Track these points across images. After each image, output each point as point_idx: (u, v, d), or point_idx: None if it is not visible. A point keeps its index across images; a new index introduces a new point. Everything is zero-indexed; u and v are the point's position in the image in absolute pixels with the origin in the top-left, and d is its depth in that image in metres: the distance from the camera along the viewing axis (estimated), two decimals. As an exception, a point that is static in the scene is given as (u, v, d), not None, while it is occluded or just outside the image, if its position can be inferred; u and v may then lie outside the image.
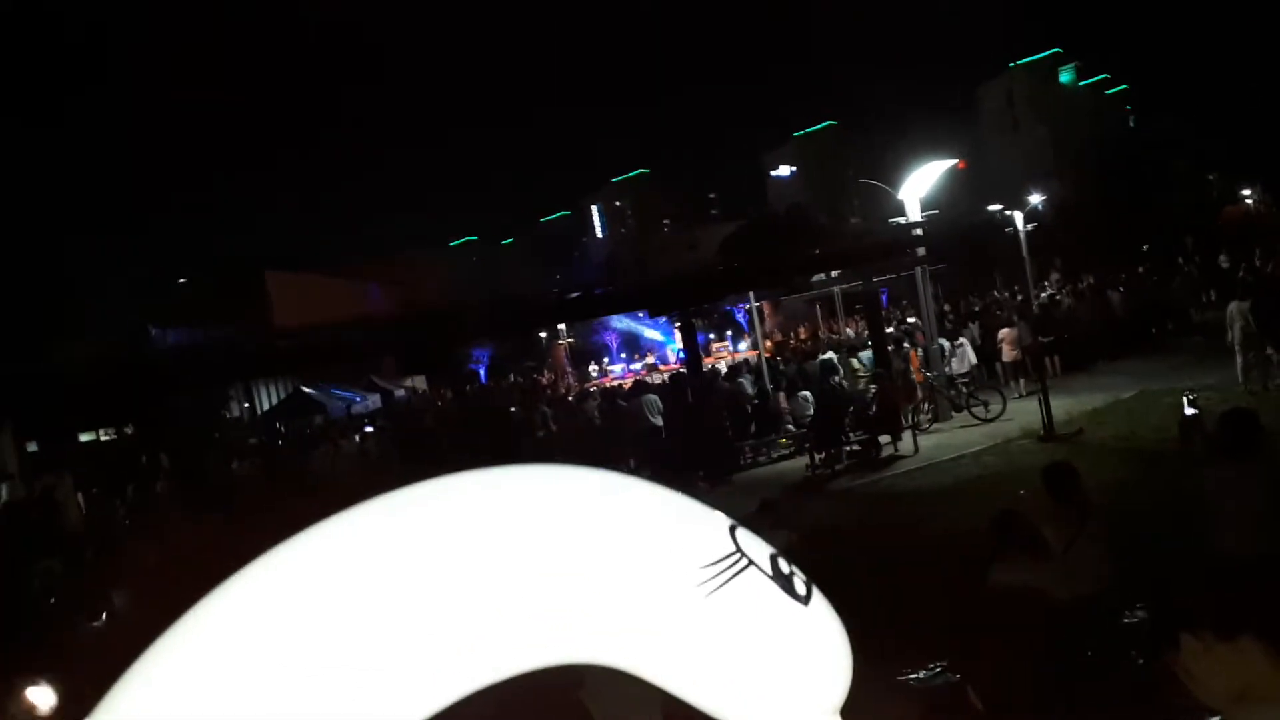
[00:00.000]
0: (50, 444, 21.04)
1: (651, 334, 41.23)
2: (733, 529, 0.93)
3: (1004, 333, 18.06)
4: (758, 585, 0.88)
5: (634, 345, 43.90)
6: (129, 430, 28.30)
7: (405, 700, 0.77)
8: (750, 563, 0.89)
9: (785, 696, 0.88)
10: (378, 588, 0.78)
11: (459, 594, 0.79)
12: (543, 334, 46.82)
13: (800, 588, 0.91)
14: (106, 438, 28.24)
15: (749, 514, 8.76)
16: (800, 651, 0.89)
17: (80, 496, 16.73)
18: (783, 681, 0.88)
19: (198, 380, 21.84)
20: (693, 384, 17.64)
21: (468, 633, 0.79)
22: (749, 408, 17.63)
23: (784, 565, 0.92)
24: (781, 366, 19.83)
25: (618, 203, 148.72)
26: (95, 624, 6.67)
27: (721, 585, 0.85)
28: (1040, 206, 35.50)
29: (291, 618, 0.77)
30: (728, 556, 0.88)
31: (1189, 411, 8.92)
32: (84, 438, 25.61)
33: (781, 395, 17.59)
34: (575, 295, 21.71)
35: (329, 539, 0.86)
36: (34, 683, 3.40)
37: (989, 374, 18.47)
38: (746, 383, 18.49)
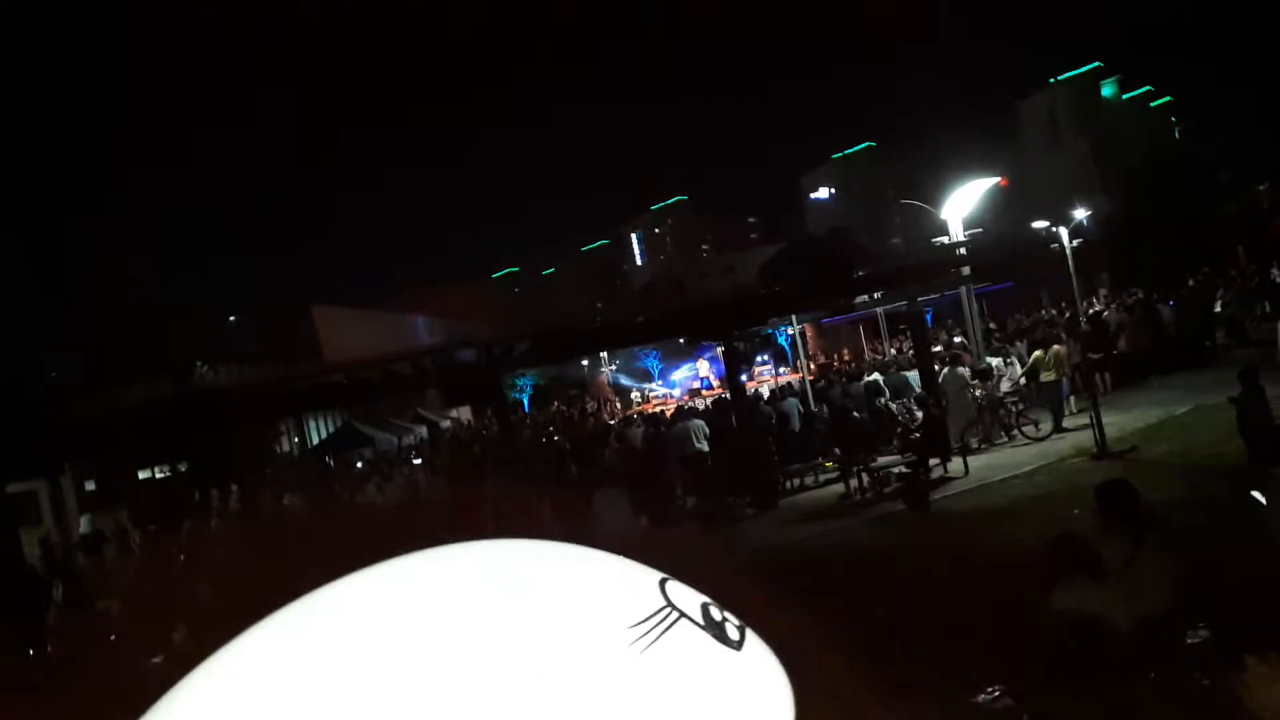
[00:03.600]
0: (108, 482, 21.51)
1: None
2: (663, 583, 0.92)
3: (1052, 350, 17.79)
4: (689, 637, 0.87)
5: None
6: (183, 467, 28.88)
7: None
8: (681, 615, 0.88)
9: None
10: (305, 687, 0.79)
11: (396, 680, 0.79)
12: (584, 362, 47.03)
13: (733, 634, 0.89)
14: (161, 475, 28.81)
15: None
16: (735, 697, 0.87)
17: (136, 534, 17.11)
18: None
19: (248, 416, 22.22)
20: (736, 408, 17.60)
21: (416, 712, 0.81)
22: (793, 431, 17.52)
23: (716, 613, 0.90)
24: (828, 390, 19.67)
25: (657, 229, 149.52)
26: (155, 660, 6.78)
27: (653, 642, 0.85)
28: (1086, 222, 35.04)
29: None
30: (658, 612, 0.87)
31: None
32: (141, 475, 26.13)
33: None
34: (616, 324, 21.78)
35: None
36: None
37: (1038, 392, 18.19)
38: (791, 406, 18.39)
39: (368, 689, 0.80)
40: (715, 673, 0.87)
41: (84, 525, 16.93)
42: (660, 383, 42.67)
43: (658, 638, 0.85)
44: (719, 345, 22.47)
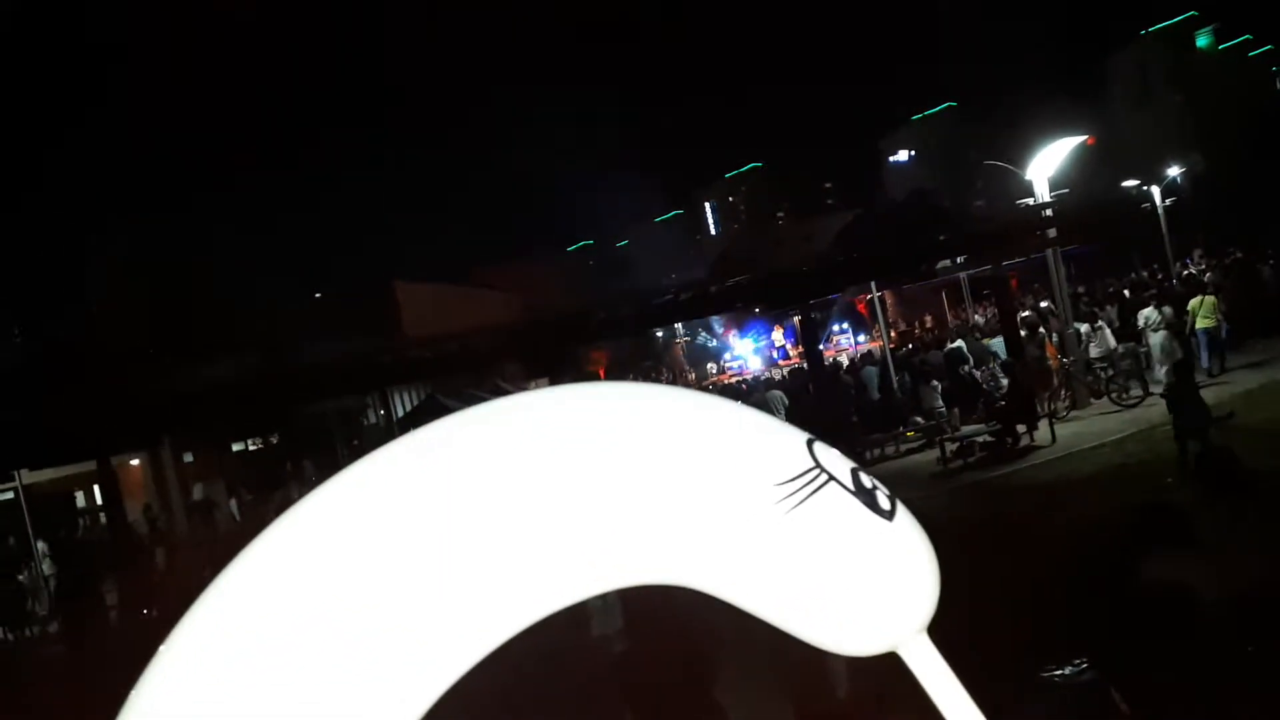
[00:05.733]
0: (204, 455, 22.33)
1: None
2: (810, 443, 0.89)
3: (1144, 313, 17.19)
4: (839, 501, 0.85)
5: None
6: (274, 440, 29.83)
7: (484, 621, 0.77)
8: (830, 478, 0.86)
9: (870, 616, 0.85)
10: (452, 507, 0.78)
11: (532, 516, 0.78)
12: (659, 333, 46.97)
13: (884, 503, 0.87)
14: (254, 447, 29.81)
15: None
16: (885, 569, 0.85)
17: (234, 503, 17.80)
18: (867, 600, 0.85)
19: (336, 390, 22.84)
20: (814, 378, 17.45)
21: (544, 555, 0.78)
22: (874, 400, 17.31)
23: (866, 480, 0.88)
24: (914, 359, 19.32)
25: (731, 198, 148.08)
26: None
27: (801, 502, 0.83)
28: (1179, 180, 33.64)
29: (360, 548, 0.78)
30: (806, 472, 0.85)
31: None
32: (235, 447, 27.08)
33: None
34: (690, 294, 21.72)
35: (421, 451, 0.86)
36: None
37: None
38: (870, 375, 18.15)
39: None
40: (864, 541, 0.85)
41: (197, 493, 18.00)
42: (736, 353, 42.46)
43: (806, 499, 0.83)
44: (796, 315, 22.25)
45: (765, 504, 0.83)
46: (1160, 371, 15.50)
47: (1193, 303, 16.65)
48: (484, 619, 0.78)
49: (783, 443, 0.89)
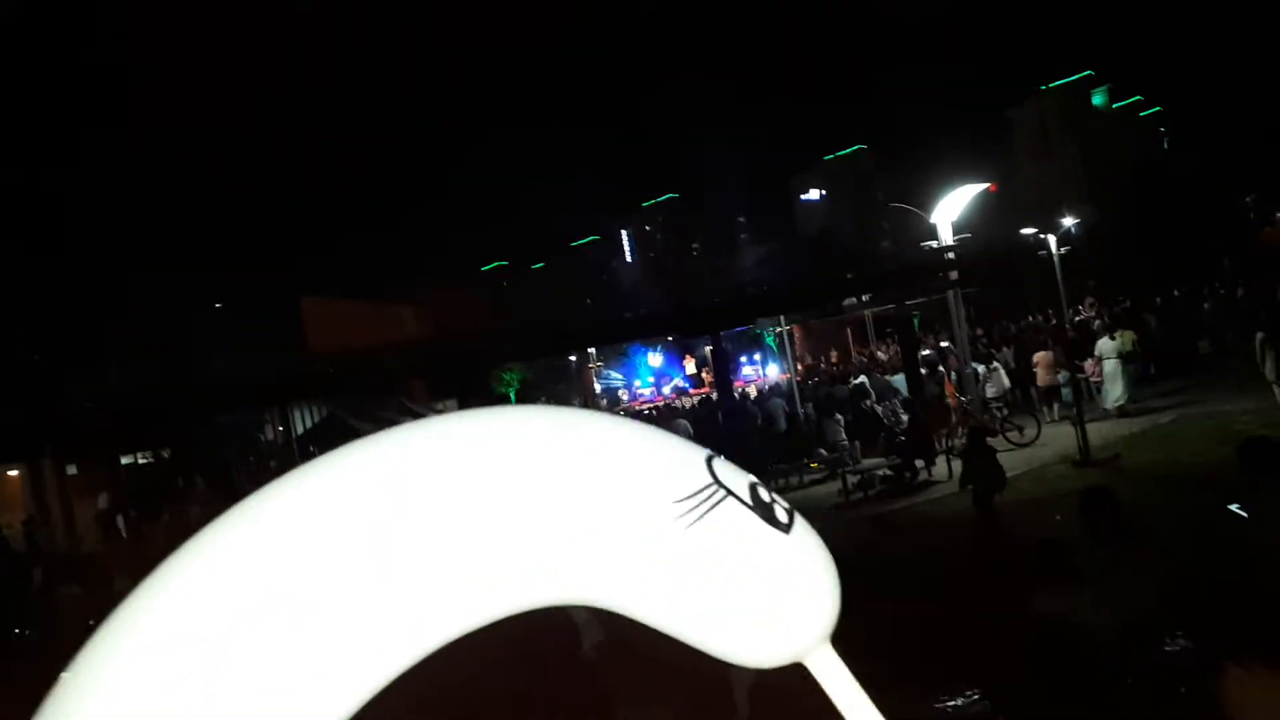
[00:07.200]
0: (89, 467, 21.36)
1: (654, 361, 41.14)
2: (709, 460, 0.92)
3: (1039, 356, 17.87)
4: (737, 516, 0.87)
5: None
6: (165, 454, 28.71)
7: (394, 643, 0.78)
8: (728, 493, 0.88)
9: (772, 626, 0.87)
10: (352, 535, 0.79)
11: (434, 540, 0.79)
12: (572, 358, 46.91)
13: (781, 516, 0.90)
14: (144, 461, 28.63)
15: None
16: (784, 580, 0.88)
17: (120, 519, 17.04)
18: (768, 611, 0.87)
19: (233, 405, 22.12)
20: (723, 408, 17.62)
21: (447, 578, 0.79)
22: (780, 432, 17.55)
23: (764, 494, 0.91)
24: (819, 392, 19.69)
25: (648, 227, 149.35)
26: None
27: (699, 518, 0.85)
28: (1074, 229, 35.23)
29: (261, 570, 0.78)
30: (705, 489, 0.87)
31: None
32: (123, 461, 25.95)
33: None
34: (603, 320, 21.78)
35: (309, 485, 0.88)
36: None
37: (1023, 398, 18.27)
38: (777, 406, 18.41)
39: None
40: (761, 553, 0.87)
41: (102, 502, 17.39)
42: (647, 380, 42.66)
43: (703, 515, 0.85)
44: (707, 344, 22.49)
45: (665, 520, 0.85)
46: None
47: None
48: (385, 644, 0.78)
49: (682, 460, 0.91)
